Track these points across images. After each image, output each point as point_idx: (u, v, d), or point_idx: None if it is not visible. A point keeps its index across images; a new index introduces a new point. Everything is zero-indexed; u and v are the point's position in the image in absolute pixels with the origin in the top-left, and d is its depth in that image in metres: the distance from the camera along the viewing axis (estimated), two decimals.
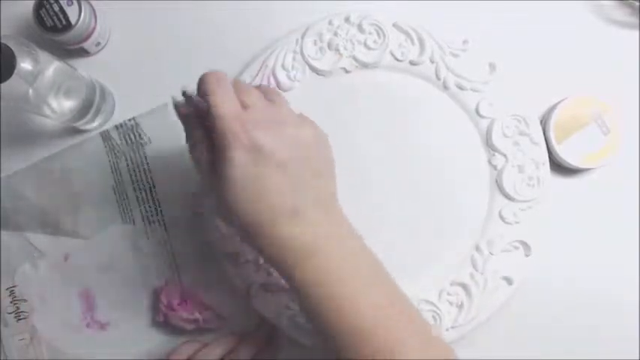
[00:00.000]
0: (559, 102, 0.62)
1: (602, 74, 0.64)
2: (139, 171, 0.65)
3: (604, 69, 0.64)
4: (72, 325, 0.66)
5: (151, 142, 0.66)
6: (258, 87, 0.51)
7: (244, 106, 0.46)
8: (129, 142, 0.65)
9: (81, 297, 0.66)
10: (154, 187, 0.65)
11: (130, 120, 0.65)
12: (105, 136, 0.66)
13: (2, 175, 0.66)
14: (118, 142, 0.65)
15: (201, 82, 0.47)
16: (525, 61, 0.64)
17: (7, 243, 0.66)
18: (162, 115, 0.65)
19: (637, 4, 0.64)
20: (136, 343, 0.65)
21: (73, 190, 0.66)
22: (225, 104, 0.45)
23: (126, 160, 0.66)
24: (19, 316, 0.65)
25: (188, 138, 0.50)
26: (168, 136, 0.65)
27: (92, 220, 0.65)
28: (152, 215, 0.65)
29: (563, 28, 0.65)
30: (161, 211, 0.65)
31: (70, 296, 0.66)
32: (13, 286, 0.65)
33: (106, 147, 0.66)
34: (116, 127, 0.66)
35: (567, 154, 0.62)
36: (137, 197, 0.65)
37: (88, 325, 0.66)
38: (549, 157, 0.62)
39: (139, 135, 0.65)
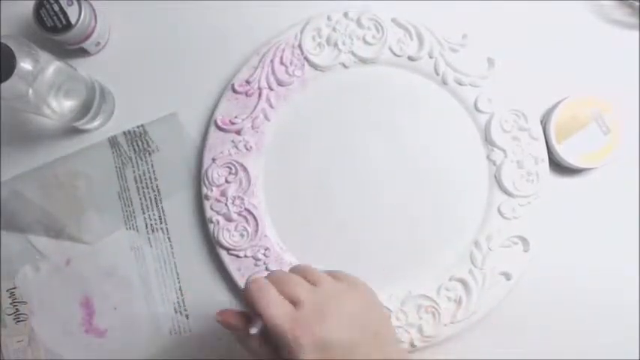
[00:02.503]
0: (559, 102, 0.62)
1: (602, 74, 0.63)
2: (145, 178, 0.66)
3: (604, 69, 0.64)
4: (71, 330, 0.66)
5: (158, 150, 0.65)
6: (295, 269, 0.51)
7: (294, 303, 0.46)
8: (136, 149, 0.65)
9: (81, 302, 0.66)
10: (160, 195, 0.66)
11: (138, 127, 0.65)
12: (112, 142, 0.66)
13: (7, 177, 0.66)
14: (126, 148, 0.65)
15: (245, 296, 0.47)
16: (525, 60, 0.64)
17: (10, 244, 0.66)
18: (170, 124, 0.66)
19: (637, 4, 0.63)
20: (135, 351, 0.65)
21: (77, 194, 0.66)
22: (274, 310, 0.45)
23: (132, 166, 0.65)
24: (19, 318, 0.66)
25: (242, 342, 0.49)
26: (176, 144, 0.66)
27: (96, 226, 0.66)
28: (156, 223, 0.66)
29: (563, 28, 0.64)
30: (165, 219, 0.66)
31: (70, 301, 0.66)
32: (14, 288, 0.66)
33: (113, 153, 0.66)
34: (124, 133, 0.66)
35: (567, 154, 0.61)
36: (142, 204, 0.66)
37: (86, 331, 0.66)
38: (549, 157, 0.62)
39: (147, 142, 0.65)
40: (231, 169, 0.64)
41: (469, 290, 0.62)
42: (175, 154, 0.66)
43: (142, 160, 0.65)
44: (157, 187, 0.66)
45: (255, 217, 0.64)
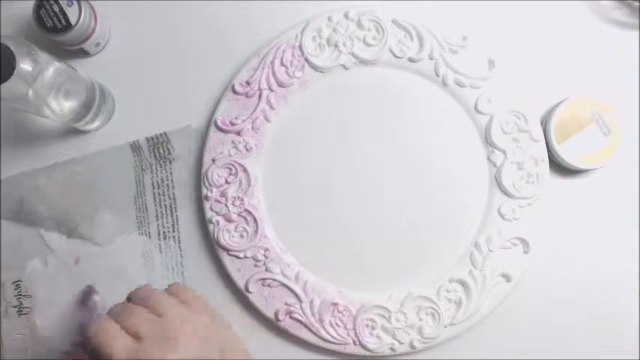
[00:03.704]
0: (559, 102, 0.62)
1: (602, 75, 0.63)
2: (163, 185, 0.65)
3: (604, 69, 0.64)
4: (73, 328, 0.65)
5: (178, 159, 0.65)
6: (138, 298, 0.51)
7: (135, 337, 0.46)
8: (157, 155, 0.65)
9: (85, 302, 0.65)
10: (175, 203, 0.65)
11: (161, 134, 0.65)
12: (134, 147, 0.65)
13: (7, 176, 0.66)
14: (147, 154, 0.65)
15: (89, 339, 0.47)
16: (525, 61, 0.64)
17: (21, 237, 0.66)
18: (189, 135, 0.66)
19: (637, 4, 0.63)
20: None
21: (95, 194, 0.65)
22: (114, 346, 0.45)
23: (151, 172, 0.65)
24: (22, 311, 0.65)
25: None
26: (192, 156, 0.66)
27: (108, 227, 0.65)
28: (168, 231, 0.65)
29: (563, 29, 0.64)
30: (178, 228, 0.65)
31: (75, 299, 0.65)
32: (20, 281, 0.66)
33: (134, 157, 0.65)
34: (147, 139, 0.65)
35: (568, 155, 0.61)
36: (156, 211, 0.65)
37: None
38: (550, 158, 0.62)
39: (168, 150, 0.65)
40: (231, 169, 0.64)
41: (469, 291, 0.62)
42: (193, 165, 0.66)
43: (161, 167, 0.65)
44: (173, 195, 0.65)
45: (255, 218, 0.64)
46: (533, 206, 0.62)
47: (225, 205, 0.64)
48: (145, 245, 0.65)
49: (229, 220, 0.64)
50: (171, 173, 0.65)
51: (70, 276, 0.65)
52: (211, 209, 0.64)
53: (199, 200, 0.65)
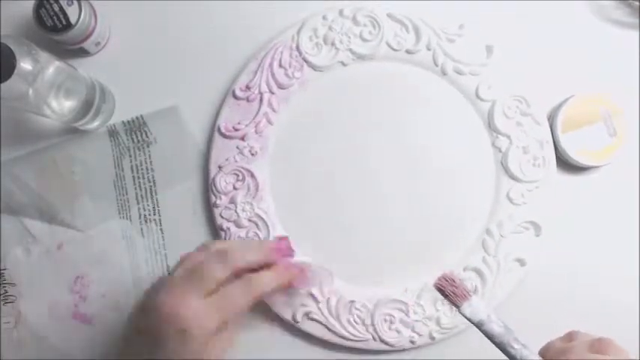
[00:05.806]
0: (566, 100, 0.62)
1: (602, 74, 0.64)
2: (142, 169, 0.65)
3: (604, 69, 0.64)
4: (58, 315, 0.64)
5: (156, 142, 0.65)
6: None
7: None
8: (134, 139, 0.65)
9: (70, 287, 0.64)
10: (155, 186, 0.65)
11: (137, 117, 0.65)
12: (111, 131, 0.65)
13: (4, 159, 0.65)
14: (124, 137, 0.65)
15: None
16: (522, 49, 0.64)
17: (2, 225, 0.65)
18: (170, 117, 0.65)
19: (637, 4, 0.64)
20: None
21: (74, 180, 0.65)
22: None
23: (130, 156, 0.65)
24: (7, 299, 0.64)
25: None
26: (175, 138, 0.65)
27: (89, 213, 0.65)
28: (149, 214, 0.65)
29: (562, 27, 0.65)
30: (159, 211, 0.65)
31: (59, 286, 0.64)
32: (4, 269, 0.64)
33: (111, 141, 0.65)
34: (123, 122, 0.65)
35: (572, 151, 0.62)
36: (137, 195, 0.65)
37: (74, 317, 0.64)
38: (556, 155, 0.63)
39: (145, 133, 0.65)
40: (238, 175, 0.63)
41: (484, 279, 0.62)
42: (174, 148, 0.65)
43: (139, 150, 0.65)
44: (152, 178, 0.65)
45: (265, 222, 0.63)
46: (542, 189, 0.62)
47: (235, 211, 0.62)
48: (126, 229, 0.65)
49: (240, 226, 0.63)
50: (149, 156, 0.65)
51: (54, 262, 0.64)
52: (221, 216, 0.63)
53: (206, 195, 0.64)
